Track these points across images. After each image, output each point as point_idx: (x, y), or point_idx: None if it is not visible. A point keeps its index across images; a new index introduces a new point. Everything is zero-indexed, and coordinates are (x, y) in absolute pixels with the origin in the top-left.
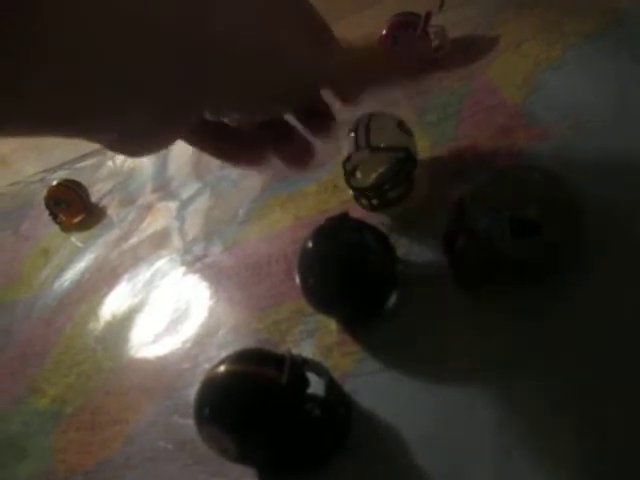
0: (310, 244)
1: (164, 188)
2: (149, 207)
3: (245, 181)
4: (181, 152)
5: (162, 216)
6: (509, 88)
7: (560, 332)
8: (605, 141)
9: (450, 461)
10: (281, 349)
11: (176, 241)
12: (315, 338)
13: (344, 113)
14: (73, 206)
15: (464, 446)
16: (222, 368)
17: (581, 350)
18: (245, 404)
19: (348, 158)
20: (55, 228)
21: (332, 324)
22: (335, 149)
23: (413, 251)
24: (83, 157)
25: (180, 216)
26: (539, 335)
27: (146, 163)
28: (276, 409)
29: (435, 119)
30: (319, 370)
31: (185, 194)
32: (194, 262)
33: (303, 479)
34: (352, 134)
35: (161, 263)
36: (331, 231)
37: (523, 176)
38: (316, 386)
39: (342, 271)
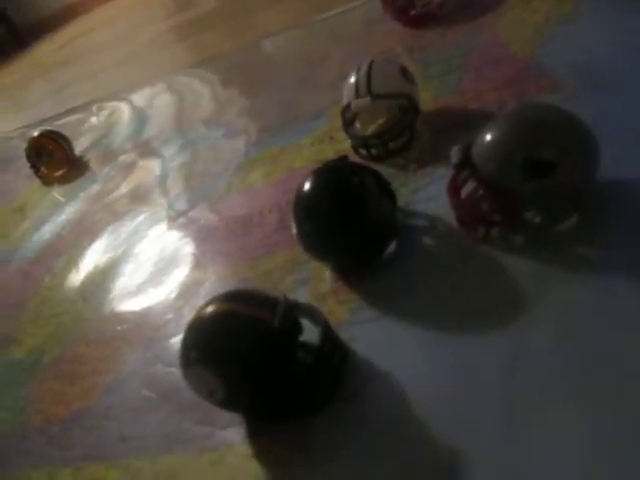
0: (307, 187)
1: (146, 145)
2: (131, 164)
3: (229, 138)
4: (164, 108)
5: (143, 173)
6: (518, 42)
7: (571, 284)
8: (616, 92)
9: (450, 410)
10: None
11: (158, 197)
12: (309, 287)
13: None
14: (55, 158)
15: (466, 395)
16: (211, 307)
17: (597, 303)
18: (235, 345)
19: (347, 106)
20: (36, 182)
21: (327, 273)
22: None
23: (415, 201)
24: (66, 113)
25: (163, 173)
26: (544, 289)
27: (128, 120)
28: (267, 352)
29: (438, 72)
30: (314, 316)
31: (167, 151)
32: (177, 217)
33: (293, 428)
34: (352, 80)
35: (144, 217)
36: (329, 174)
37: (536, 114)
38: (310, 333)
39: (340, 215)
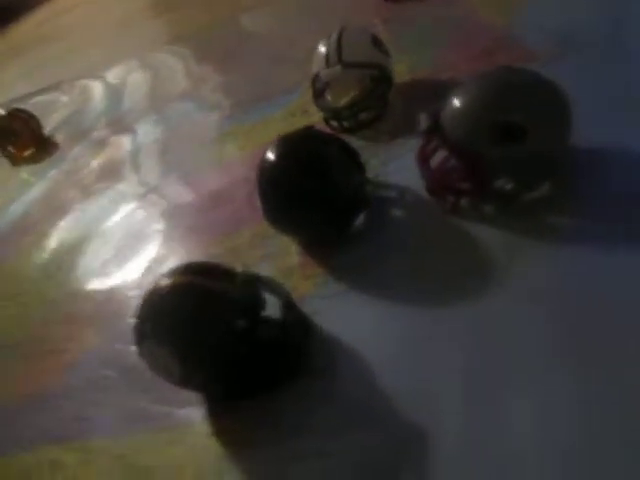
0: (271, 156)
1: (119, 122)
2: (102, 141)
3: (203, 113)
4: (137, 85)
5: (115, 149)
6: (493, 11)
7: (542, 254)
8: (593, 60)
9: (416, 385)
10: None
11: (129, 173)
12: (275, 261)
13: None
14: (23, 138)
15: (432, 369)
16: (166, 280)
17: (568, 273)
18: (190, 318)
19: (317, 75)
20: (4, 162)
21: (294, 247)
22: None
23: (385, 173)
24: (37, 92)
25: (134, 149)
26: (518, 256)
27: (100, 97)
28: (224, 327)
29: (414, 43)
30: (276, 289)
31: (140, 127)
32: (147, 193)
33: (256, 405)
34: (322, 49)
35: (112, 195)
36: (295, 143)
37: (505, 77)
38: (272, 307)
39: (305, 186)
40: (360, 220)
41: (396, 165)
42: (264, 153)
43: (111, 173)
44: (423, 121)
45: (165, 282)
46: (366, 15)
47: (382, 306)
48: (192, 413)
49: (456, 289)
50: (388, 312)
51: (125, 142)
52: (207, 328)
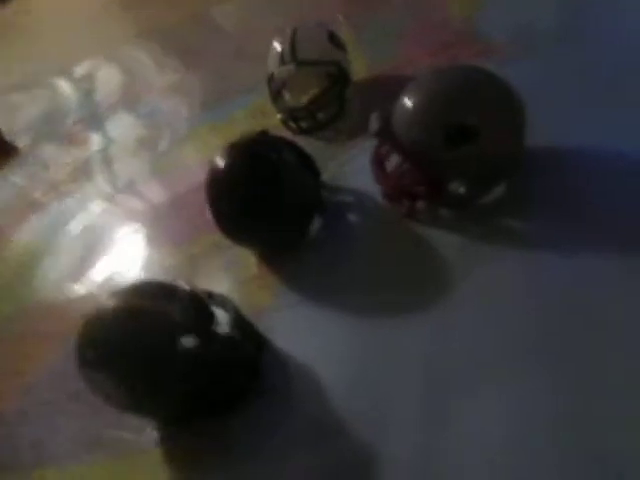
0: (221, 164)
1: (88, 119)
2: (69, 140)
3: (173, 109)
4: (106, 81)
5: (84, 148)
6: (457, 5)
7: (499, 258)
8: (551, 58)
9: (372, 403)
10: (191, 284)
11: (97, 173)
12: (231, 272)
13: None
14: None
15: (388, 386)
16: (106, 304)
17: (525, 278)
18: (130, 343)
19: (272, 76)
20: None
21: (251, 257)
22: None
23: (342, 176)
24: (0, 91)
25: (103, 147)
26: (475, 260)
27: (68, 94)
28: (167, 349)
29: (374, 37)
30: (225, 305)
31: (110, 124)
32: (115, 194)
33: (209, 428)
34: (277, 48)
35: (79, 197)
36: (245, 149)
37: (457, 77)
38: (222, 324)
39: (257, 193)
40: (317, 225)
41: (353, 167)
42: (213, 161)
43: (80, 173)
44: (372, 122)
45: (105, 306)
46: (330, 10)
47: (338, 317)
48: (145, 439)
49: (414, 296)
50: (344, 323)
51: (95, 139)
52: (148, 352)
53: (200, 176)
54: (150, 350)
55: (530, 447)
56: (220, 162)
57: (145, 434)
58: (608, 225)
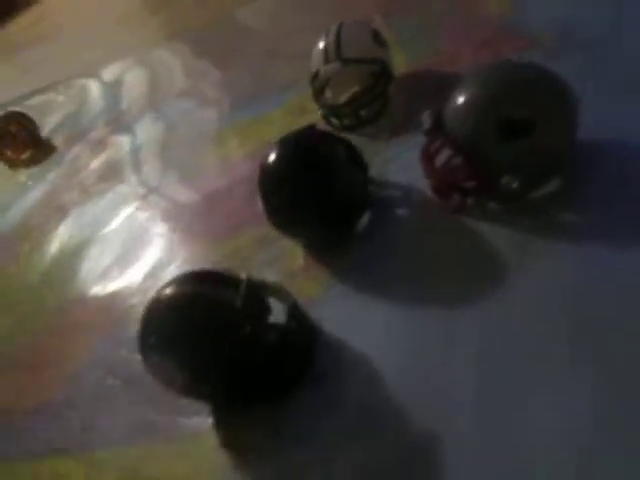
0: (272, 157)
1: (117, 121)
2: (101, 141)
3: (202, 110)
4: (135, 84)
5: (114, 150)
6: (494, 1)
7: (551, 253)
8: (598, 49)
9: (427, 390)
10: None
11: (129, 174)
12: (279, 264)
13: None
14: (19, 140)
15: (440, 378)
16: (169, 290)
17: (578, 273)
18: (193, 329)
19: (316, 73)
20: (2, 166)
21: (298, 249)
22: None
23: (388, 172)
24: (31, 94)
25: (133, 149)
26: (526, 255)
27: (97, 97)
28: (229, 335)
29: (413, 35)
30: (281, 294)
31: (139, 126)
32: (148, 194)
33: (262, 414)
34: (321, 45)
35: (113, 197)
36: (297, 143)
37: (509, 71)
38: (277, 313)
39: (307, 187)
40: (364, 220)
41: (399, 163)
42: (265, 155)
43: (111, 174)
44: (425, 120)
45: (167, 292)
46: (364, 9)
47: (389, 309)
48: (198, 423)
49: (465, 290)
50: (395, 315)
51: (124, 142)
52: (211, 338)
53: (241, 171)
54: (211, 335)
55: (576, 443)
56: (272, 156)
57: (198, 419)
58: None
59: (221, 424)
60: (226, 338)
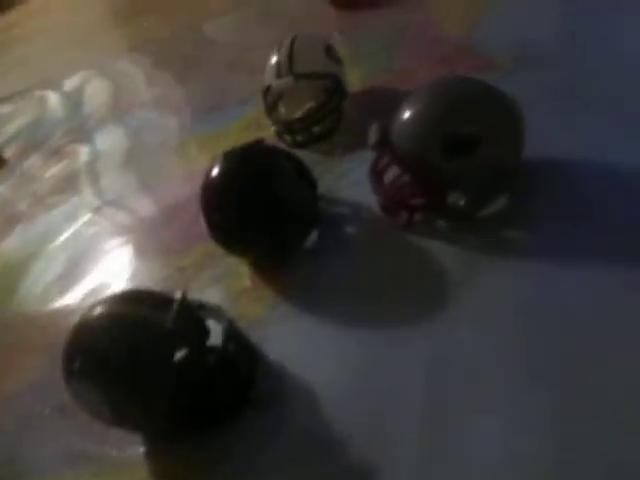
0: (216, 171)
1: (75, 131)
2: (57, 151)
3: (164, 121)
4: (96, 94)
5: (71, 160)
6: (453, 21)
7: (499, 272)
8: (552, 72)
9: (368, 417)
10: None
11: (85, 185)
12: (223, 283)
13: None
14: None
15: (385, 400)
16: (94, 311)
17: (521, 296)
18: (118, 354)
19: (268, 88)
20: None
21: (244, 268)
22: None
23: (339, 188)
24: None
25: (92, 159)
26: (474, 273)
27: (56, 107)
28: (159, 359)
29: (370, 51)
30: (218, 316)
31: (99, 136)
32: (102, 206)
33: (195, 444)
34: (273, 60)
35: (65, 209)
36: (242, 156)
37: (456, 87)
38: (215, 336)
39: (253, 201)
40: (312, 238)
41: (350, 180)
42: (208, 170)
43: (66, 185)
44: (371, 135)
45: (92, 313)
46: (323, 25)
47: (334, 329)
48: (132, 454)
49: (411, 308)
50: (341, 336)
51: (82, 152)
52: (138, 362)
53: (190, 188)
54: (140, 360)
55: (530, 465)
56: (215, 169)
57: (131, 449)
58: (609, 237)
59: (153, 455)
60: (156, 362)
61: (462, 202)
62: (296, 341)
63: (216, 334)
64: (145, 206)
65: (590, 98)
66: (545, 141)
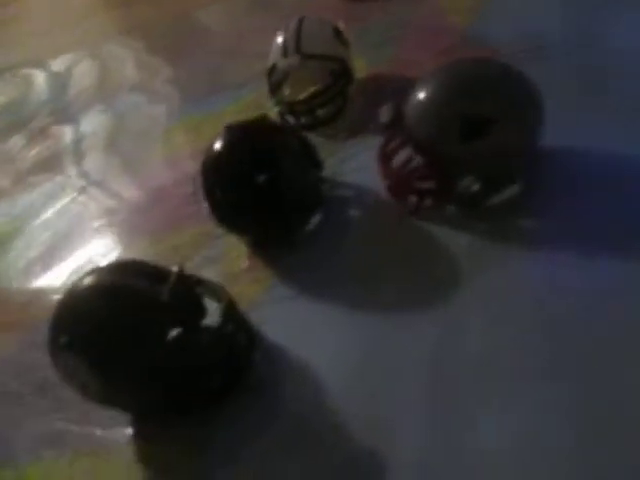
0: (218, 145)
1: (61, 112)
2: (42, 131)
3: (151, 106)
4: (84, 75)
5: (56, 140)
6: (458, 12)
7: (509, 260)
8: (558, 60)
9: (372, 401)
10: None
11: (69, 165)
12: (220, 264)
13: None
14: None
15: (388, 388)
16: (84, 282)
17: (536, 280)
18: (112, 325)
19: (273, 67)
20: None
21: (242, 248)
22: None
23: (343, 172)
24: None
25: (76, 139)
26: (482, 260)
27: (43, 86)
28: (152, 334)
29: (375, 41)
30: (216, 292)
31: (84, 118)
32: (87, 187)
33: (188, 427)
34: (280, 39)
35: (49, 187)
36: (246, 131)
37: (472, 69)
38: (211, 314)
39: (256, 180)
40: (315, 220)
41: (354, 164)
42: (211, 143)
43: (50, 164)
44: (384, 113)
45: (82, 284)
46: (326, 14)
47: (335, 314)
48: (116, 435)
49: (417, 295)
50: (341, 320)
51: (67, 132)
52: (131, 337)
53: (189, 167)
54: (131, 334)
55: (537, 460)
56: (217, 143)
57: (116, 430)
58: (623, 226)
59: (141, 437)
60: (148, 338)
61: (474, 188)
62: (295, 324)
63: (211, 311)
64: (131, 188)
65: (596, 89)
66: (553, 132)
